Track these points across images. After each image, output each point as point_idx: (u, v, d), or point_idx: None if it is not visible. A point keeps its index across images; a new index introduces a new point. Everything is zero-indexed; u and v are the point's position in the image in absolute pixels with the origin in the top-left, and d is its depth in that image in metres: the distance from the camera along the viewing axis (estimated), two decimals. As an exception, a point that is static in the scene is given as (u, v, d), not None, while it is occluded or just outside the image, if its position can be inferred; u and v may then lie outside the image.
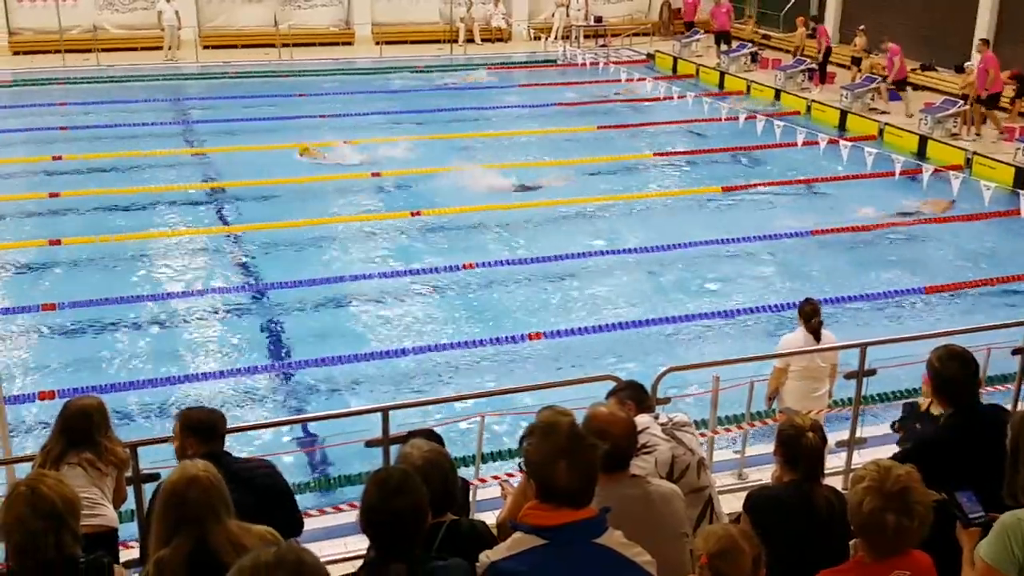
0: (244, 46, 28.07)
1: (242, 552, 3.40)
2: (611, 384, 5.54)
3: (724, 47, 26.61)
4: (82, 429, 5.40)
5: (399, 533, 3.22)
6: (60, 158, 17.81)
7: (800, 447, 4.27)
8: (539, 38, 30.02)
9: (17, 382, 9.94)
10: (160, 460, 5.94)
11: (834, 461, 7.67)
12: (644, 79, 24.37)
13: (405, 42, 29.39)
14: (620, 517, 3.36)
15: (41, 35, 27.10)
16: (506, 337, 11.27)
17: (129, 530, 6.12)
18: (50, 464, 5.30)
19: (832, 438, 7.74)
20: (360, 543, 3.63)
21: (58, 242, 13.80)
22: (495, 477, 7.84)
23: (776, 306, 12.15)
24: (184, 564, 3.50)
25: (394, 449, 5.93)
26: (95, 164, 17.65)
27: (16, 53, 26.85)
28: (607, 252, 14.04)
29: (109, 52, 26.38)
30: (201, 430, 4.71)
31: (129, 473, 5.67)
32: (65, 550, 3.50)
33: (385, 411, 6.22)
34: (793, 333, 8.30)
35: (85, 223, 14.71)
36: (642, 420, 4.51)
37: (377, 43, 28.83)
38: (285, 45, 27.38)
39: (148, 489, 5.63)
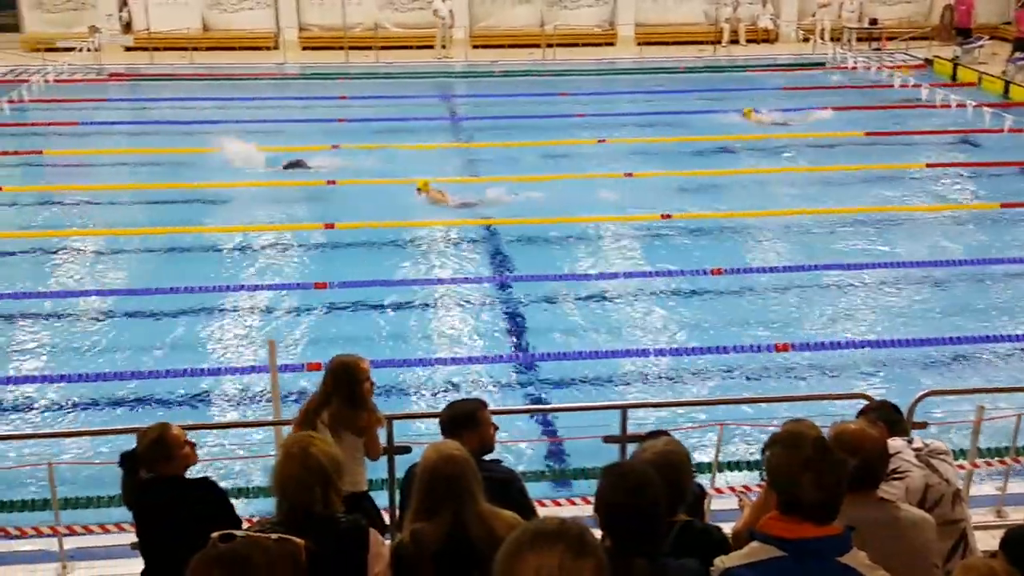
0: (511, 45, 28.91)
1: (492, 534, 3.55)
2: (862, 403, 5.33)
3: (1020, 54, 24.67)
4: (337, 385, 5.77)
5: (638, 529, 3.26)
6: (338, 147, 19.04)
7: None
8: (808, 39, 29.08)
9: (289, 352, 10.73)
10: (412, 434, 6.29)
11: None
12: (920, 85, 23.09)
13: (667, 43, 29.28)
14: (864, 539, 3.24)
15: (327, 32, 29.08)
16: (751, 346, 11.03)
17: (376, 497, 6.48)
18: (311, 415, 5.75)
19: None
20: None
21: (332, 226, 14.78)
22: (732, 488, 7.72)
23: (1054, 335, 11.21)
24: (442, 540, 3.70)
25: (631, 447, 5.97)
26: (368, 154, 18.74)
27: (305, 48, 28.95)
28: (869, 265, 13.41)
29: (387, 49, 27.93)
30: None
31: (384, 442, 6.02)
32: (331, 506, 3.77)
33: (624, 409, 6.29)
34: (1072, 365, 7.64)
35: (356, 209, 15.64)
36: (895, 444, 4.31)
37: (639, 43, 28.90)
38: (549, 45, 27.97)
39: (400, 460, 5.98)
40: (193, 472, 5.12)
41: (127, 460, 4.93)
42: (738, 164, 18.31)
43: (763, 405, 8.91)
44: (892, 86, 23.72)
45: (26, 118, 21.24)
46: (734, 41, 29.31)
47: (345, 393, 5.72)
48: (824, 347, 11.05)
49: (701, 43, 29.19)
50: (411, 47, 28.60)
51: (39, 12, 29.30)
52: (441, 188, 16.29)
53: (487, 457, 4.78)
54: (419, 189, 16.07)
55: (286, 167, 17.53)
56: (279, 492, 3.78)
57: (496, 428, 4.94)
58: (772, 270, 13.30)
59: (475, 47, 28.80)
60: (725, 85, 25.02)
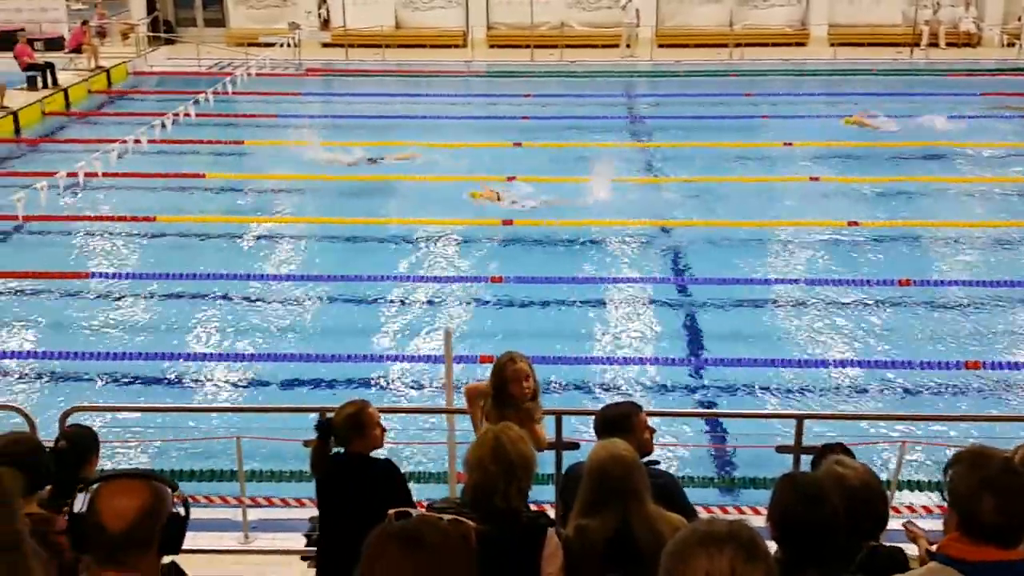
0: (697, 45, 28.55)
1: (658, 536, 3.55)
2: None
3: None
4: (492, 381, 5.87)
5: (813, 541, 3.21)
6: (520, 145, 19.28)
7: None
8: (1013, 44, 27.42)
9: (464, 343, 10.97)
10: (583, 432, 6.33)
11: None
12: None
13: (861, 44, 28.24)
14: (1052, 570, 3.07)
15: (514, 30, 29.51)
16: (939, 362, 10.53)
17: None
18: (482, 396, 5.89)
19: None
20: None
21: (511, 222, 15.01)
22: (909, 508, 7.43)
23: None
24: (608, 538, 3.73)
25: (804, 459, 5.83)
26: (546, 152, 18.90)
27: (492, 46, 29.48)
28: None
29: (572, 48, 28.08)
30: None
31: (552, 438, 6.08)
32: (511, 502, 3.84)
33: (800, 419, 6.13)
34: None
35: (535, 206, 15.81)
36: (1091, 472, 4.04)
37: (831, 44, 28.00)
38: (737, 45, 27.46)
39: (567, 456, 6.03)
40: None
41: (323, 430, 5.16)
42: (932, 171, 17.49)
43: (949, 424, 8.50)
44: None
45: (229, 109, 22.49)
46: (933, 44, 27.98)
47: (496, 390, 5.82)
48: (1018, 367, 10.43)
49: (898, 45, 28.00)
50: (596, 46, 28.66)
51: (243, 8, 31.00)
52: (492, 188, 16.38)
53: (644, 460, 4.76)
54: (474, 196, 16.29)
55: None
56: (467, 474, 3.90)
57: (653, 431, 4.91)
58: (965, 283, 12.65)
59: (660, 46, 28.60)
60: (923, 89, 23.93)
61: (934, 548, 3.99)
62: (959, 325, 11.65)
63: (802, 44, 28.89)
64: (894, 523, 6.63)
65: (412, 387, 10.45)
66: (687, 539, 2.28)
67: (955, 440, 7.44)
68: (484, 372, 9.54)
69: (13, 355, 11.13)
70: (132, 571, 2.72)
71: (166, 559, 2.87)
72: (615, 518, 3.76)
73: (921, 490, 7.78)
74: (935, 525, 4.20)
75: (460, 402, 6.67)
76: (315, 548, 6.78)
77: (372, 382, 10.49)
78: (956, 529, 3.07)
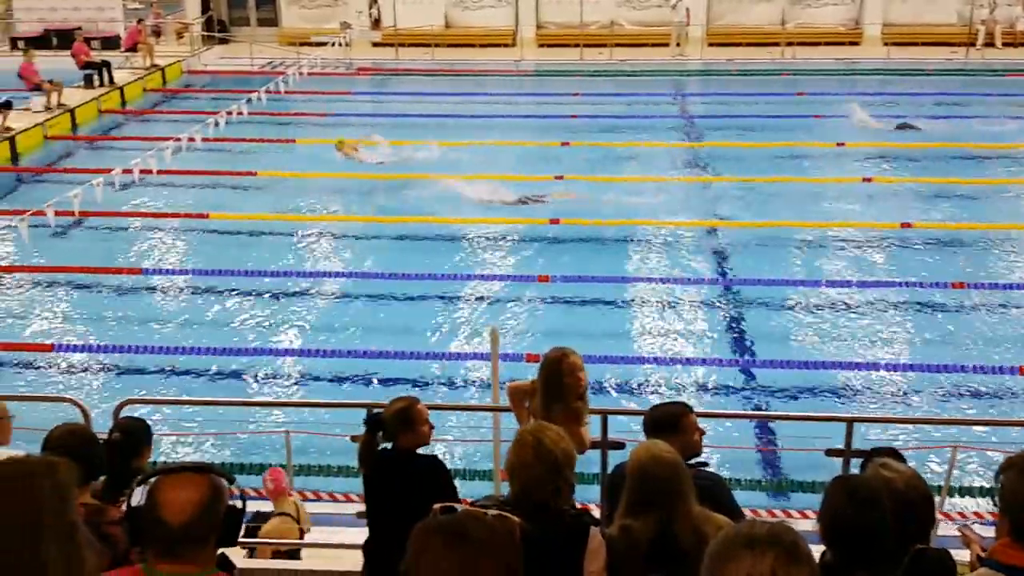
0: (748, 44, 28.32)
1: (702, 537, 3.53)
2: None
3: None
4: (542, 376, 5.83)
5: (864, 544, 3.18)
6: (568, 144, 19.27)
7: None
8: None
9: (510, 341, 10.99)
10: (625, 431, 6.32)
11: None
12: None
13: (916, 43, 27.82)
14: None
15: (564, 29, 29.48)
16: (992, 366, 10.35)
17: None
18: (526, 396, 5.87)
19: None
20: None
21: (557, 221, 14.97)
22: (960, 515, 7.33)
23: None
24: (651, 538, 3.72)
25: (855, 462, 5.76)
26: (596, 152, 18.86)
27: (541, 46, 29.47)
28: None
29: (622, 47, 27.98)
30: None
31: (598, 437, 6.07)
32: (560, 499, 3.84)
33: (850, 422, 6.05)
34: None
35: (581, 205, 15.78)
36: None
37: (885, 44, 27.62)
38: (789, 44, 27.19)
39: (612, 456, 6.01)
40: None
41: (373, 424, 5.19)
42: (987, 173, 17.18)
43: (1001, 429, 8.36)
44: None
45: (281, 108, 22.71)
46: (989, 44, 27.47)
47: (546, 385, 5.79)
48: (1075, 373, 10.22)
49: (953, 45, 27.53)
50: (646, 45, 28.54)
51: (296, 8, 31.30)
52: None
53: (692, 461, 4.72)
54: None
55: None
56: (509, 476, 3.90)
57: (703, 433, 4.88)
58: (1020, 287, 12.42)
59: (711, 45, 28.40)
60: (978, 90, 23.52)
61: (984, 554, 3.94)
62: (1013, 330, 11.44)
63: (855, 43, 28.54)
64: (947, 528, 6.60)
65: (458, 385, 10.49)
66: (730, 540, 2.26)
67: (1007, 445, 7.30)
68: (531, 371, 9.56)
69: (69, 348, 11.35)
70: (190, 564, 2.74)
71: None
72: (659, 518, 3.75)
73: (972, 495, 7.67)
74: (989, 531, 4.14)
75: (506, 400, 6.67)
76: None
77: (419, 379, 10.54)
78: (1007, 535, 3.03)
